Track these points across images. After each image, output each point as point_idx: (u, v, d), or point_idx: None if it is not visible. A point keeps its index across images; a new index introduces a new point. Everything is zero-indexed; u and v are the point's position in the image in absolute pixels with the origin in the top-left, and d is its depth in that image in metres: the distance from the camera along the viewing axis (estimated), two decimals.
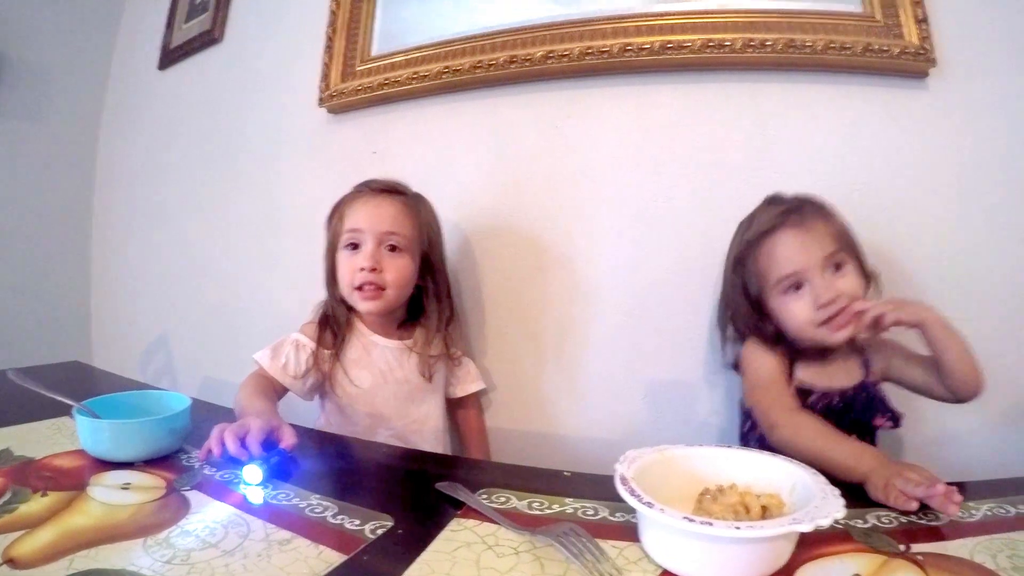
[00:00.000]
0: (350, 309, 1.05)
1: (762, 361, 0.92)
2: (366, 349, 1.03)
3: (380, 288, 0.99)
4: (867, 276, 0.90)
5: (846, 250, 0.87)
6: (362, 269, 0.97)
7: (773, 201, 0.93)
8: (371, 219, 1.00)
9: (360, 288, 0.98)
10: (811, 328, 0.86)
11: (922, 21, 1.03)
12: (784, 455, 0.83)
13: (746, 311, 0.94)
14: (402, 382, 1.03)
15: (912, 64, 1.03)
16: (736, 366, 0.99)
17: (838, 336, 0.85)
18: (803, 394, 0.89)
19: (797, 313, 0.86)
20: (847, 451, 0.72)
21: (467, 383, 1.16)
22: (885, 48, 1.02)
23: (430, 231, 1.07)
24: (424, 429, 1.05)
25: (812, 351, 0.90)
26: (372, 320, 1.05)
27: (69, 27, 1.90)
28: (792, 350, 0.92)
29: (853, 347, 0.92)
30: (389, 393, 1.02)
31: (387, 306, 1.01)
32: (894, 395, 0.92)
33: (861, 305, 0.83)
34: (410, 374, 1.04)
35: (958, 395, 0.85)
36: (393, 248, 1.00)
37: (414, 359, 1.04)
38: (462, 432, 1.18)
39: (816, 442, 0.75)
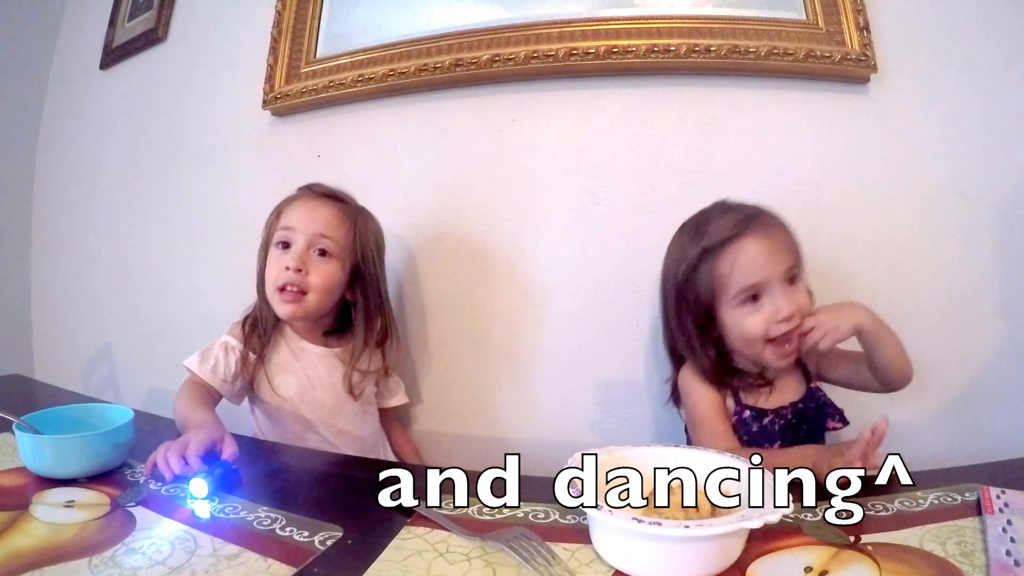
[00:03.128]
0: None
1: (700, 393, 0.88)
2: (294, 354, 1.01)
3: (302, 292, 0.96)
4: (808, 290, 0.87)
5: (799, 262, 0.84)
6: (287, 268, 0.95)
7: (728, 208, 0.87)
8: (305, 219, 0.98)
9: (282, 290, 0.96)
10: (761, 344, 0.82)
11: (863, 28, 1.05)
12: None
13: (690, 326, 0.88)
14: (329, 389, 1.01)
15: (853, 70, 1.04)
16: (675, 397, 0.96)
17: (784, 361, 0.83)
18: (758, 416, 0.87)
19: (752, 327, 0.81)
20: (789, 461, 0.70)
21: (395, 396, 1.15)
22: (827, 54, 1.04)
23: (365, 242, 1.03)
24: (349, 436, 1.04)
25: (751, 379, 0.88)
26: (299, 326, 1.03)
27: (8, 25, 1.82)
28: (735, 380, 0.88)
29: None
30: (315, 400, 1.00)
31: (307, 312, 0.98)
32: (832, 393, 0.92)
33: (810, 322, 0.80)
34: (338, 382, 1.02)
35: (891, 386, 0.85)
36: (323, 253, 0.98)
37: (343, 368, 1.03)
38: (391, 441, 1.17)
39: None
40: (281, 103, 1.33)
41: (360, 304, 1.04)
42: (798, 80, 1.06)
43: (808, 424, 0.89)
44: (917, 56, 1.05)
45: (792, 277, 0.82)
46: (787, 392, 0.89)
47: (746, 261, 0.81)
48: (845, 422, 0.89)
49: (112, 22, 1.74)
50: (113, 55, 1.71)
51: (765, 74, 1.07)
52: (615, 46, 1.08)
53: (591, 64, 1.09)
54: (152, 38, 1.60)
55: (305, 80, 1.31)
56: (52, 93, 1.91)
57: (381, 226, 1.09)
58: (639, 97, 1.11)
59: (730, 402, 0.88)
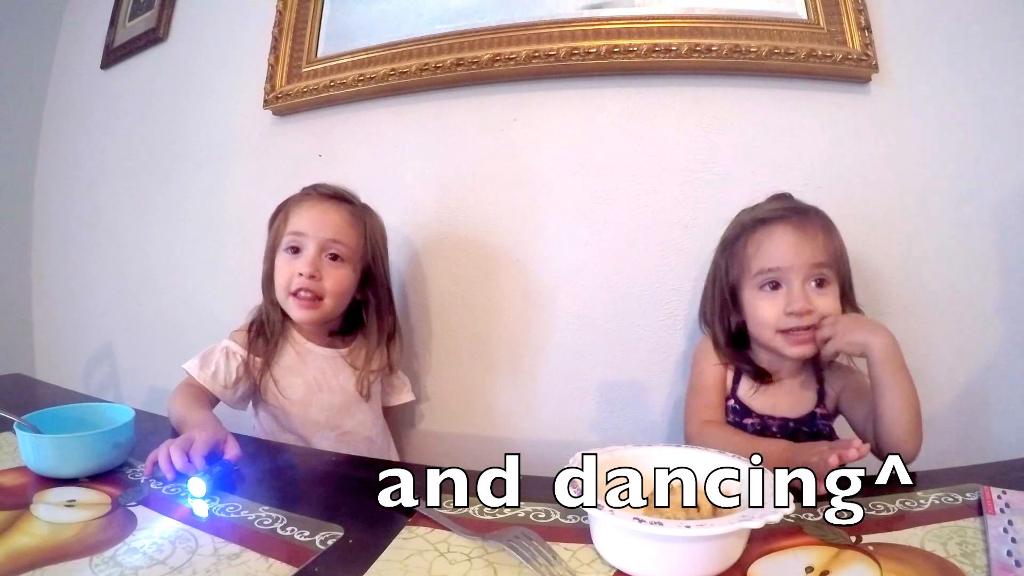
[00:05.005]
0: (285, 316, 1.01)
1: (707, 364, 0.90)
2: (301, 356, 1.01)
3: (318, 297, 0.96)
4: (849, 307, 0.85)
5: (835, 270, 0.82)
6: (300, 275, 0.95)
7: (781, 197, 0.89)
8: (316, 224, 0.97)
9: (296, 294, 0.96)
10: (771, 332, 0.82)
11: (865, 28, 1.05)
12: None
13: (718, 297, 0.90)
14: (336, 391, 1.01)
15: (855, 70, 1.04)
16: None
17: (794, 351, 0.81)
18: (742, 414, 0.87)
19: (765, 311, 0.82)
20: (761, 449, 0.71)
21: (402, 393, 1.15)
22: (828, 54, 1.04)
23: (375, 244, 1.04)
24: (358, 437, 1.03)
25: (759, 369, 0.87)
26: (307, 328, 1.02)
27: (9, 25, 1.82)
28: (740, 361, 0.89)
29: (811, 372, 0.88)
30: (323, 402, 1.00)
31: (322, 316, 0.98)
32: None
33: (826, 323, 0.78)
34: (345, 383, 1.02)
35: (884, 450, 0.74)
36: (335, 257, 0.98)
37: (349, 369, 1.02)
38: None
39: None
40: (282, 103, 1.32)
41: (371, 303, 1.04)
42: (799, 80, 1.06)
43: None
44: (918, 56, 1.05)
45: (821, 280, 0.81)
46: (786, 402, 0.87)
47: (772, 245, 0.82)
48: None
49: (113, 22, 1.74)
50: (114, 55, 1.70)
51: (766, 74, 1.07)
52: (616, 46, 1.08)
53: (592, 64, 1.09)
54: (153, 38, 1.60)
55: (306, 80, 1.31)
56: (53, 93, 1.90)
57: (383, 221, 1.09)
58: (640, 97, 1.11)
59: (729, 379, 0.90)
